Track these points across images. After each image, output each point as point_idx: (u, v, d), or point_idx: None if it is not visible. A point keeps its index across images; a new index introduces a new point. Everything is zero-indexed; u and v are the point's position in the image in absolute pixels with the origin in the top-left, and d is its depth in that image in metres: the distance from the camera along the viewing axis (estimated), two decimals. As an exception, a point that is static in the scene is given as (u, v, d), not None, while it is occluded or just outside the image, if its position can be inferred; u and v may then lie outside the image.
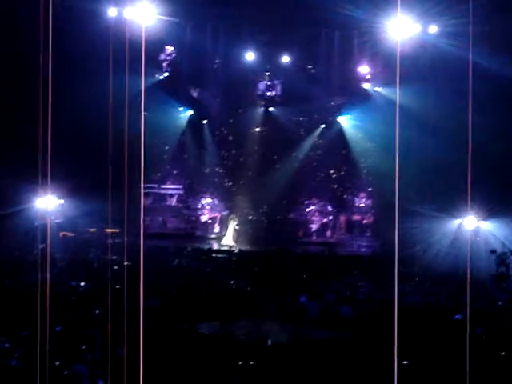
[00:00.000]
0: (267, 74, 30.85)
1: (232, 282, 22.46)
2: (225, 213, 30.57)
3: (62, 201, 25.65)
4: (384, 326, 16.86)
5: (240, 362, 15.07)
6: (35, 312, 10.31)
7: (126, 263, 9.41)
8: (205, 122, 31.46)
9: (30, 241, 23.73)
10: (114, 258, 18.98)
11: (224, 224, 30.40)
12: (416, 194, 24.81)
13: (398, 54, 10.74)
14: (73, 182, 24.78)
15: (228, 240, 29.39)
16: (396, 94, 25.66)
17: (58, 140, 9.60)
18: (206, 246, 28.39)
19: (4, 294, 19.51)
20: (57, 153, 9.54)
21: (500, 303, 20.46)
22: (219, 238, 29.79)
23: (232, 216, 30.02)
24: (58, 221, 25.23)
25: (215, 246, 28.86)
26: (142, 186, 8.66)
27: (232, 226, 29.77)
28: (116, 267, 17.29)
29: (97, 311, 17.59)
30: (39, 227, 18.49)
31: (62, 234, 25.88)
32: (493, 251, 24.14)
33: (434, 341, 16.66)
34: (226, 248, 27.63)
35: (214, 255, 26.92)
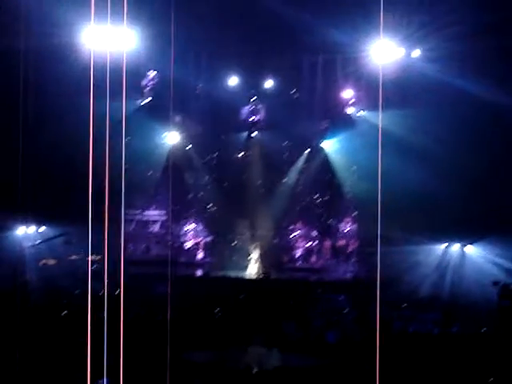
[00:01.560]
0: (251, 99, 30.77)
1: (217, 309, 22.20)
2: (208, 239, 30.32)
3: (42, 228, 25.38)
4: (370, 352, 16.77)
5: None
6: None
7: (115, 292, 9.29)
8: (188, 147, 31.22)
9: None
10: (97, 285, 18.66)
11: (207, 250, 30.16)
12: (401, 221, 24.59)
13: (381, 78, 10.63)
14: (53, 210, 24.42)
15: (253, 269, 29.06)
16: (380, 118, 25.70)
17: (35, 169, 9.50)
18: (189, 273, 28.10)
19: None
20: (34, 181, 9.44)
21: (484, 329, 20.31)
22: (203, 265, 29.50)
23: (256, 244, 29.68)
24: (38, 248, 24.89)
25: (199, 273, 28.55)
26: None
27: (256, 254, 29.43)
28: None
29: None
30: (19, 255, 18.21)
31: (42, 262, 25.54)
32: (496, 282, 22.40)
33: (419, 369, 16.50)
34: (215, 275, 27.37)
35: (197, 282, 26.64)
